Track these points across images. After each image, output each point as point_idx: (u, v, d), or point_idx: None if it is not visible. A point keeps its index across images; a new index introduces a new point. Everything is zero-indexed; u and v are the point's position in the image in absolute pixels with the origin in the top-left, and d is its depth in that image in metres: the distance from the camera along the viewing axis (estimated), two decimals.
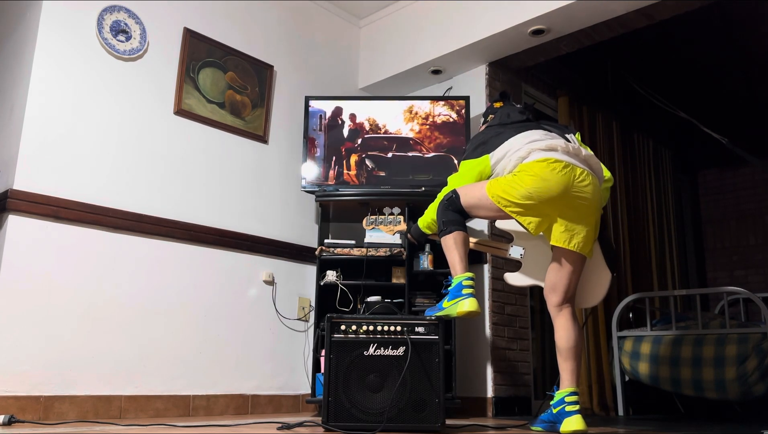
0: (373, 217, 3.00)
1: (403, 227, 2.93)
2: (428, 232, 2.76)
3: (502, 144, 2.56)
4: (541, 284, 2.66)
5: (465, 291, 2.37)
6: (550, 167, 2.36)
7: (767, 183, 6.32)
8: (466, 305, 2.35)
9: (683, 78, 5.31)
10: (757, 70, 5.19)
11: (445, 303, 2.44)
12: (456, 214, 2.51)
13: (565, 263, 2.50)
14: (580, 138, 2.64)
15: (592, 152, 2.58)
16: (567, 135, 2.58)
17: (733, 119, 5.89)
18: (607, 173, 2.69)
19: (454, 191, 2.53)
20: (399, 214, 3.31)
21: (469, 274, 2.42)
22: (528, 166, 2.39)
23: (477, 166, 2.59)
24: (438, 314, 2.43)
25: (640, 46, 4.78)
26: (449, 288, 2.44)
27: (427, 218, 2.72)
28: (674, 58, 5.04)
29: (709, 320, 3.68)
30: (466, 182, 2.59)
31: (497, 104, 2.85)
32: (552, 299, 2.56)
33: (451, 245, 2.46)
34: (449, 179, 2.68)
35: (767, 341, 3.31)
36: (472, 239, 2.76)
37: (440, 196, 2.61)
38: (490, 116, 2.82)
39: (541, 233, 2.51)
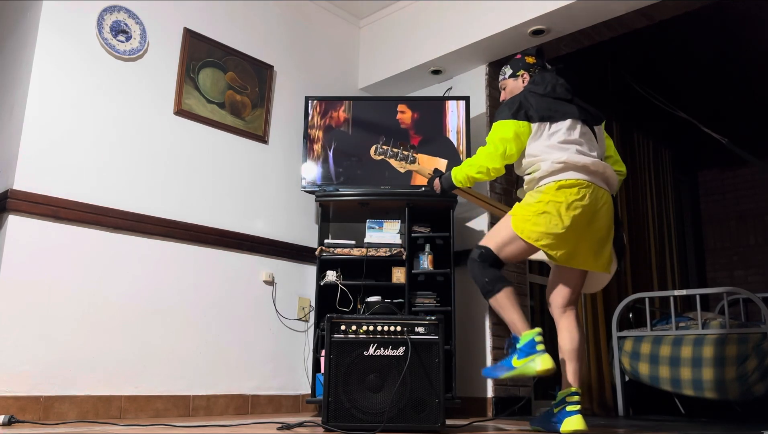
0: (385, 147, 2.78)
1: (421, 168, 2.76)
2: (460, 186, 2.60)
3: (547, 132, 2.46)
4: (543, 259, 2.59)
5: (539, 347, 2.28)
6: (580, 194, 2.35)
7: (767, 183, 6.32)
8: (545, 362, 2.25)
9: (683, 78, 5.31)
10: (757, 71, 5.19)
11: (515, 361, 2.31)
12: (494, 269, 2.41)
13: (573, 269, 2.50)
14: (604, 126, 2.67)
15: (612, 151, 2.64)
16: (595, 128, 2.57)
17: (733, 119, 5.89)
18: (621, 167, 2.69)
19: (483, 247, 2.41)
20: (416, 153, 2.97)
21: (538, 329, 2.32)
22: (559, 193, 2.36)
23: (517, 128, 2.45)
24: (510, 374, 2.33)
25: (640, 46, 4.78)
26: (518, 346, 2.32)
27: (466, 171, 2.54)
28: (674, 58, 5.04)
29: (709, 320, 3.68)
30: (500, 139, 2.45)
31: (529, 59, 2.71)
32: (557, 301, 2.55)
33: (506, 304, 2.37)
34: (487, 139, 2.53)
35: (767, 341, 3.31)
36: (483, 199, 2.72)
37: (480, 152, 2.50)
38: (523, 72, 2.68)
39: None
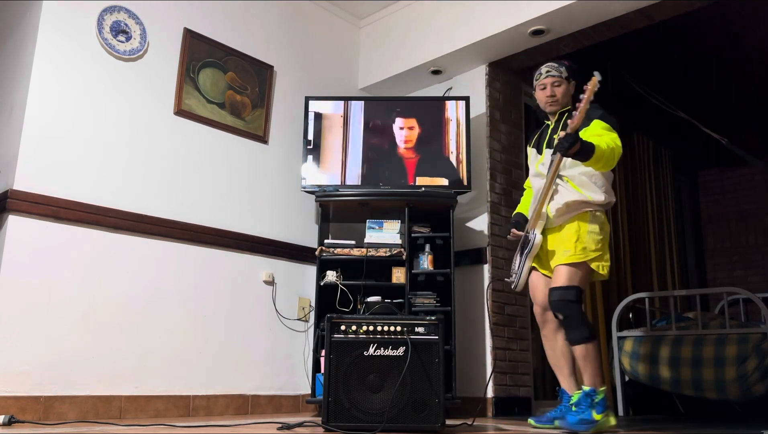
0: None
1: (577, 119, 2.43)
2: (587, 161, 2.43)
3: None
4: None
5: (607, 402, 2.48)
6: None
7: (767, 183, 6.32)
8: (613, 418, 2.50)
9: (683, 78, 5.31)
10: (757, 71, 5.19)
11: (596, 415, 2.43)
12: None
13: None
14: None
15: None
16: None
17: (733, 119, 5.89)
18: None
19: (575, 287, 2.53)
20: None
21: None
22: (606, 223, 2.66)
23: (617, 139, 2.54)
24: (594, 429, 2.41)
25: (640, 46, 4.78)
26: (597, 400, 2.44)
27: (604, 155, 2.43)
28: (674, 58, 5.04)
29: (709, 320, 3.68)
30: (617, 141, 2.51)
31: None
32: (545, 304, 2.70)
33: (594, 355, 2.50)
34: (610, 135, 2.54)
35: (767, 341, 3.31)
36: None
37: (613, 141, 2.50)
38: (573, 82, 2.79)
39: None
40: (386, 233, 3.51)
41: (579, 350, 2.50)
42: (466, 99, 3.74)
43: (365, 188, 3.61)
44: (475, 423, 2.86)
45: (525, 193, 3.06)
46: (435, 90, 4.28)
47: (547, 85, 2.77)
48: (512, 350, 3.77)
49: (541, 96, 2.81)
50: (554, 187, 2.64)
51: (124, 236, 3.04)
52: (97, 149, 3.02)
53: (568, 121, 2.42)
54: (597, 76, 2.37)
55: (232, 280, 3.44)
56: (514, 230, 2.84)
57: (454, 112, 3.73)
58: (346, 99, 3.81)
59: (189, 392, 3.16)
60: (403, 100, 3.82)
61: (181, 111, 3.34)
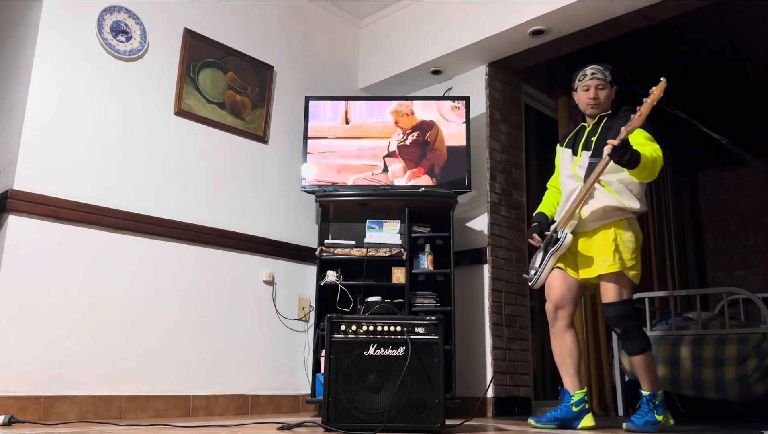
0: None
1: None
2: (633, 169, 2.43)
3: None
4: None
5: (664, 404, 2.62)
6: None
7: (767, 183, 6.32)
8: (672, 419, 2.65)
9: (683, 78, 5.31)
10: (757, 71, 5.19)
11: (658, 416, 2.57)
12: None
13: (580, 285, 2.75)
14: None
15: None
16: None
17: (733, 119, 5.89)
18: None
19: (628, 300, 2.60)
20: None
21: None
22: (639, 229, 2.67)
23: (659, 150, 2.55)
24: (658, 428, 2.56)
25: (640, 46, 4.78)
26: (657, 402, 2.58)
27: (648, 165, 2.45)
28: (674, 58, 5.04)
29: (709, 320, 3.68)
30: (659, 152, 2.52)
31: None
32: (570, 312, 2.76)
33: (652, 363, 2.61)
34: (652, 145, 2.55)
35: (767, 341, 3.31)
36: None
37: (655, 151, 2.51)
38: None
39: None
40: (386, 233, 3.51)
41: (637, 360, 2.58)
42: (466, 99, 3.74)
43: (365, 187, 3.61)
44: (475, 423, 2.86)
45: (548, 192, 3.01)
46: (435, 90, 4.28)
47: (591, 87, 2.76)
48: (512, 350, 3.78)
49: (582, 97, 2.79)
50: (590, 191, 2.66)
51: (124, 236, 3.04)
52: (98, 149, 3.02)
53: (622, 128, 2.42)
54: (664, 82, 2.36)
55: (232, 280, 3.44)
56: (536, 237, 2.82)
57: (454, 112, 3.72)
58: (346, 99, 3.81)
59: (189, 392, 3.16)
60: (403, 100, 3.82)
61: (181, 111, 3.34)
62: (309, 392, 3.58)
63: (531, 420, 2.75)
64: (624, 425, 2.62)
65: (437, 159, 3.67)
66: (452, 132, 3.70)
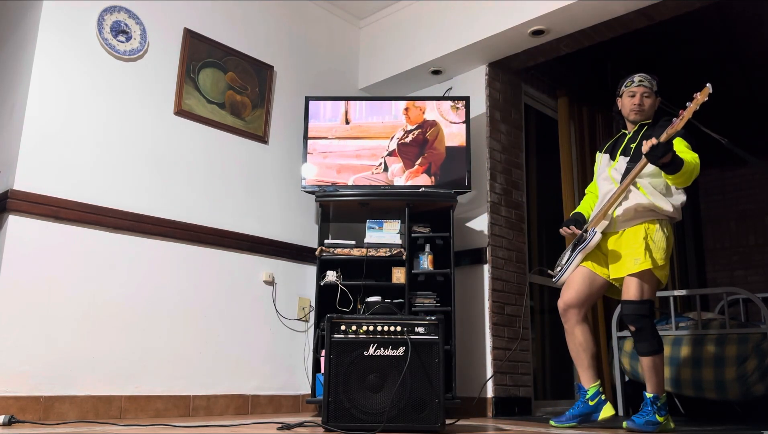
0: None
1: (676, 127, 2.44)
2: (671, 172, 2.46)
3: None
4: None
5: (666, 407, 2.63)
6: None
7: (767, 183, 6.32)
8: (672, 423, 2.67)
9: (683, 78, 5.31)
10: (757, 71, 5.19)
11: (659, 418, 2.58)
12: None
13: (605, 284, 2.80)
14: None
15: None
16: None
17: (733, 120, 5.89)
18: None
19: (648, 301, 2.59)
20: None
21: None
22: (671, 233, 2.67)
23: (698, 158, 2.57)
24: (658, 429, 2.56)
25: (640, 46, 4.78)
26: (660, 404, 2.59)
27: (688, 171, 2.47)
28: (674, 58, 5.04)
29: (709, 320, 3.68)
30: (698, 160, 2.55)
31: None
32: (581, 310, 2.80)
33: (660, 366, 2.61)
34: (692, 154, 2.57)
35: (767, 341, 3.31)
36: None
37: (694, 159, 2.52)
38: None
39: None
40: (386, 233, 3.51)
41: (647, 361, 2.59)
42: (466, 99, 3.74)
43: (365, 187, 3.61)
44: (474, 423, 2.86)
45: (586, 197, 3.08)
46: (435, 90, 4.28)
47: (637, 93, 2.77)
48: (512, 350, 3.78)
49: (627, 102, 2.80)
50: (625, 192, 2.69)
51: (124, 236, 3.04)
52: (98, 150, 3.02)
53: (665, 131, 2.44)
54: (709, 87, 2.37)
55: (232, 280, 3.44)
56: (573, 227, 2.85)
57: (454, 112, 3.72)
58: (346, 99, 3.81)
59: (189, 392, 3.16)
60: (403, 100, 3.82)
61: (181, 111, 3.34)
62: (309, 392, 3.58)
63: (552, 422, 2.80)
64: (624, 424, 2.63)
65: (435, 158, 3.67)
66: (452, 132, 3.70)
